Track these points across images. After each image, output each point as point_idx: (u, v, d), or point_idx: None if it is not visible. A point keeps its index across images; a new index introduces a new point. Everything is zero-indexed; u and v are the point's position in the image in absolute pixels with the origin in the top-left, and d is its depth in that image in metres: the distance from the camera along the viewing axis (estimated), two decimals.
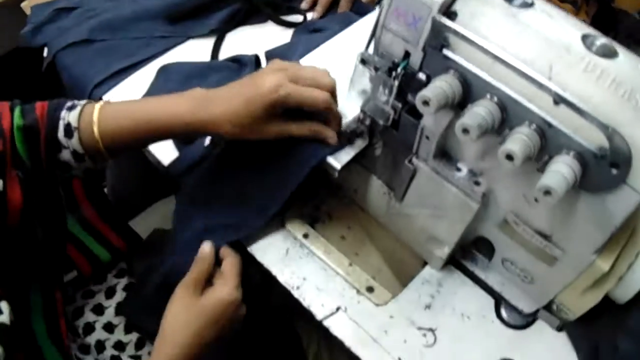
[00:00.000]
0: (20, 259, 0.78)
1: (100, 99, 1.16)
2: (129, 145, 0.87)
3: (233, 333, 0.90)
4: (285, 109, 0.84)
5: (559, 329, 0.89)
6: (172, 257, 0.94)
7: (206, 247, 0.90)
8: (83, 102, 0.86)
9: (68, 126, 0.83)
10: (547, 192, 0.61)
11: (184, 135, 0.90)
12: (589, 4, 1.31)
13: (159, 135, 0.87)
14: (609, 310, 0.84)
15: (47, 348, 0.83)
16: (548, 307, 0.88)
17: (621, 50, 0.65)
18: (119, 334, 1.03)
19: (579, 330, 0.87)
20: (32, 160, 0.82)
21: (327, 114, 0.86)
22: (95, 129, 0.83)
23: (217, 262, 0.91)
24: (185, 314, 0.84)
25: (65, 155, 0.84)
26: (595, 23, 1.32)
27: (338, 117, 0.87)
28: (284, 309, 1.13)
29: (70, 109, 0.85)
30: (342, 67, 0.91)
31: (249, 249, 0.95)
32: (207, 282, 0.89)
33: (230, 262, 0.90)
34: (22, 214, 0.78)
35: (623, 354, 0.82)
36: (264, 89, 0.81)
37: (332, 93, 0.85)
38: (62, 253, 0.98)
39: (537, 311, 0.90)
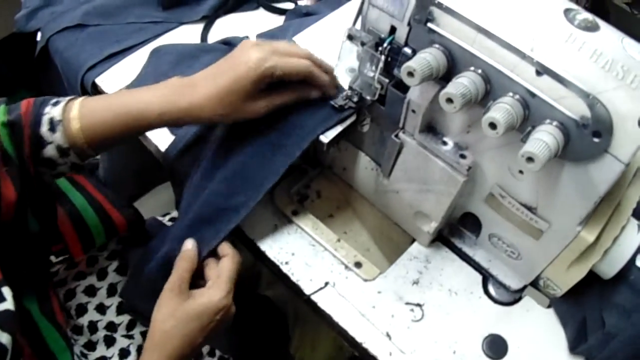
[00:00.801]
0: (14, 251, 0.78)
1: (93, 82, 1.17)
2: (111, 140, 0.86)
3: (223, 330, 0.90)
4: (268, 84, 0.84)
5: (548, 306, 0.90)
6: (167, 245, 0.93)
7: (188, 244, 0.88)
8: (67, 98, 0.86)
9: (52, 120, 0.82)
10: (530, 159, 0.62)
11: (164, 126, 0.88)
12: None
13: (139, 127, 0.86)
14: (596, 286, 0.86)
15: (45, 327, 0.84)
16: (535, 284, 0.89)
17: (603, 25, 0.66)
18: (111, 315, 1.03)
19: (566, 305, 0.88)
20: (19, 156, 0.81)
21: (311, 78, 0.86)
22: (77, 124, 0.82)
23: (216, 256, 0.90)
24: (173, 319, 0.82)
25: (50, 150, 0.83)
26: None
27: (327, 69, 0.88)
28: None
29: (55, 104, 0.84)
30: (332, 46, 0.92)
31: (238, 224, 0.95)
32: (198, 278, 0.88)
33: (229, 263, 0.87)
34: (16, 208, 0.78)
35: (609, 328, 0.83)
36: (251, 63, 0.80)
37: (310, 59, 0.86)
38: (54, 242, 0.99)
39: (524, 288, 0.91)
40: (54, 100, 0.85)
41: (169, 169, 1.04)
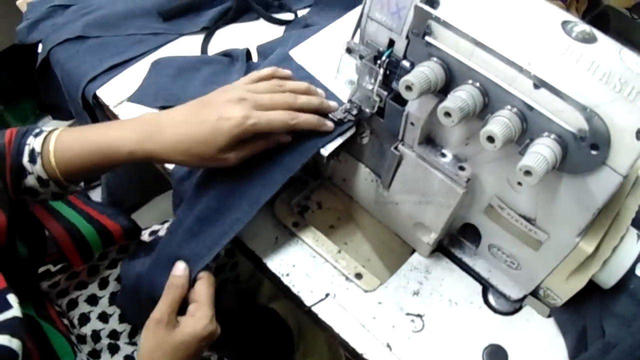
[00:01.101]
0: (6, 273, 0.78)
1: (95, 94, 1.18)
2: (85, 174, 0.85)
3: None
4: None
5: (548, 315, 0.90)
6: (154, 259, 0.91)
7: (179, 270, 0.86)
8: (49, 128, 0.85)
9: (32, 152, 0.82)
10: (528, 173, 0.62)
11: (138, 162, 0.85)
12: (579, 0, 1.33)
13: (112, 164, 0.84)
14: (596, 295, 0.86)
15: (49, 331, 0.84)
16: (535, 293, 0.89)
17: (600, 37, 0.66)
18: (114, 323, 1.04)
19: (566, 315, 0.88)
20: (4, 183, 0.82)
21: (293, 130, 0.85)
22: (52, 158, 0.82)
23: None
24: (160, 351, 0.81)
25: (31, 180, 0.83)
26: (585, 21, 1.33)
27: (321, 107, 0.87)
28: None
29: (37, 135, 0.84)
30: (331, 58, 0.92)
31: (239, 236, 0.95)
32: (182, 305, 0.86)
33: (205, 287, 0.86)
34: (7, 233, 0.78)
35: (609, 337, 0.83)
36: (233, 121, 0.79)
37: (293, 106, 0.85)
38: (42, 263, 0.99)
39: (524, 297, 0.91)
40: (36, 131, 0.84)
41: (174, 189, 1.04)
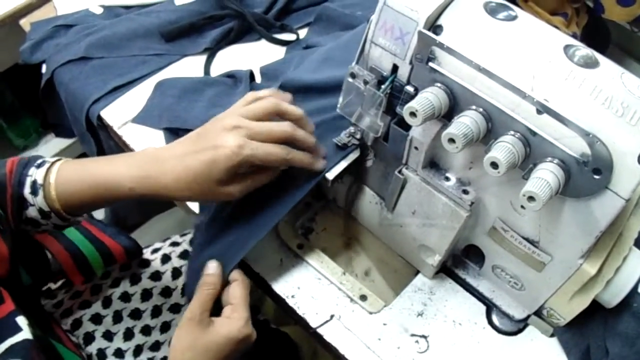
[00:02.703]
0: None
1: (99, 115, 1.18)
2: (87, 208, 0.85)
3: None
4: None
5: (551, 335, 0.91)
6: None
7: (211, 269, 0.85)
8: (52, 159, 0.85)
9: (34, 183, 0.81)
10: (531, 198, 0.63)
11: (140, 198, 0.83)
12: (580, 15, 1.33)
13: (114, 198, 0.83)
14: (599, 315, 0.86)
15: (64, 353, 0.85)
16: (538, 313, 0.90)
17: (602, 60, 0.67)
18: (119, 342, 1.04)
19: (570, 334, 0.88)
20: (5, 214, 0.81)
21: (290, 164, 0.84)
22: (53, 190, 0.81)
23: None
24: (192, 351, 0.79)
25: (32, 212, 0.83)
26: (586, 34, 1.34)
27: (310, 146, 0.86)
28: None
29: (39, 166, 0.83)
30: None
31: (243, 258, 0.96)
32: (216, 304, 0.84)
33: (240, 289, 0.84)
34: (10, 262, 0.77)
35: (613, 357, 0.83)
36: (227, 150, 0.77)
37: (290, 137, 0.83)
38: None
39: (528, 317, 0.91)
40: (38, 162, 0.84)
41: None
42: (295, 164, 0.84)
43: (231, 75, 1.21)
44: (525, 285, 0.88)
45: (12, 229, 0.82)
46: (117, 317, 1.06)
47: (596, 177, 0.64)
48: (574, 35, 1.27)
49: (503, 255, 0.86)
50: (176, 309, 1.10)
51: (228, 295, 0.84)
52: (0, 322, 0.68)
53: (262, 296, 1.40)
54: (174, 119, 1.13)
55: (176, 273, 1.12)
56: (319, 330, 0.90)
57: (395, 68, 0.76)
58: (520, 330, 0.92)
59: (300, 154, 0.84)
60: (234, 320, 0.81)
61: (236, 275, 0.86)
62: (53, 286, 1.10)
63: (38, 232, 0.89)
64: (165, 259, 1.14)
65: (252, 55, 1.31)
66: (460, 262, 0.96)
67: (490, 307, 0.94)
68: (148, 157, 0.82)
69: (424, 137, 0.77)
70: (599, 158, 0.63)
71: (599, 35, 1.37)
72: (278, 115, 0.84)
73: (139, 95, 1.21)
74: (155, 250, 1.17)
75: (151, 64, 1.28)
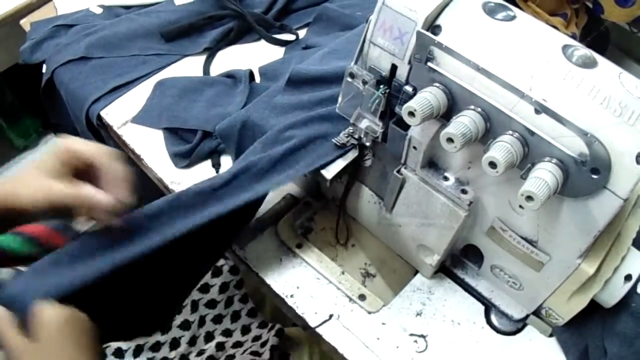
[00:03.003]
0: None
1: (99, 114, 1.19)
2: None
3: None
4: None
5: (549, 334, 0.91)
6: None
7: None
8: None
9: None
10: (529, 198, 0.63)
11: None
12: (579, 16, 1.34)
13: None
14: (597, 314, 0.86)
15: None
16: (537, 313, 0.90)
17: (601, 60, 0.67)
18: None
19: (568, 334, 0.89)
20: None
21: None
22: None
23: None
24: None
25: None
26: (585, 35, 1.34)
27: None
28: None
29: None
30: None
31: (243, 258, 0.97)
32: None
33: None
34: None
35: (612, 356, 0.83)
36: None
37: None
38: None
39: (526, 317, 0.92)
40: None
41: None
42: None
43: (231, 75, 1.21)
44: (523, 285, 0.88)
45: None
46: None
47: (594, 176, 0.65)
48: (573, 36, 1.27)
49: (502, 255, 0.86)
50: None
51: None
52: None
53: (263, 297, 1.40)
54: (173, 118, 1.14)
55: None
56: (318, 330, 0.91)
57: (394, 68, 0.76)
58: (518, 330, 0.92)
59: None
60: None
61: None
62: None
63: None
64: None
65: (251, 55, 1.31)
66: (459, 261, 0.96)
67: (489, 306, 0.94)
68: None
69: (423, 137, 0.78)
70: (597, 158, 0.63)
71: (598, 36, 1.37)
72: None
73: (138, 95, 1.21)
74: None
75: (151, 63, 1.28)
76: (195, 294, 1.10)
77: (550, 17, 1.25)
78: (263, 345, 1.07)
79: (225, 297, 1.12)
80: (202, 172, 1.10)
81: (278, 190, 1.06)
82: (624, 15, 1.23)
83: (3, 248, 0.92)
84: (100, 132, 1.24)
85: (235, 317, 1.12)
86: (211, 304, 1.10)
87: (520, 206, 0.76)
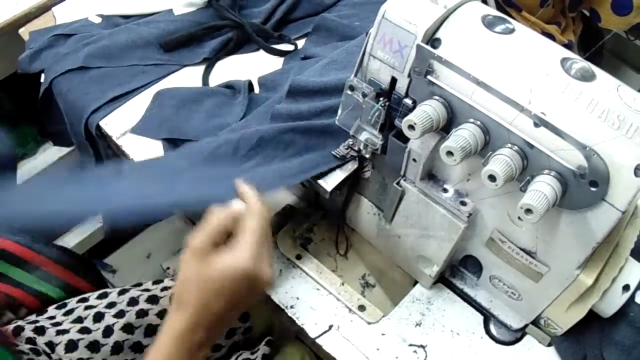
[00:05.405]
0: None
1: (97, 125, 1.19)
2: None
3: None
4: None
5: (548, 344, 0.91)
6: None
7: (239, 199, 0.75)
8: None
9: None
10: (529, 211, 0.63)
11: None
12: (575, 23, 1.34)
13: None
14: (595, 324, 0.87)
15: None
16: (536, 323, 0.90)
17: (599, 73, 0.68)
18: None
19: (567, 343, 0.89)
20: None
21: None
22: None
23: None
24: (190, 283, 0.71)
25: None
26: (582, 42, 1.35)
27: None
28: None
29: None
30: None
31: None
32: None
33: (252, 222, 0.73)
34: None
35: None
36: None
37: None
38: None
39: (525, 327, 0.92)
40: None
41: None
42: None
43: (230, 86, 1.21)
44: (522, 295, 0.88)
45: None
46: (70, 347, 0.96)
47: (593, 189, 0.65)
48: (570, 43, 1.28)
49: (500, 266, 0.86)
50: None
51: (239, 225, 0.74)
52: None
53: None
54: (172, 129, 1.14)
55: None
56: (318, 341, 0.91)
57: (393, 81, 0.77)
58: (517, 340, 0.93)
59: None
60: (239, 252, 0.71)
61: (246, 194, 0.77)
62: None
63: None
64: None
65: (250, 65, 1.31)
66: (458, 272, 0.96)
67: (488, 317, 0.94)
68: None
69: (422, 150, 0.78)
70: (595, 171, 0.63)
71: (594, 42, 1.38)
72: None
73: (137, 106, 1.21)
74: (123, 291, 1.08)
75: (150, 74, 1.28)
76: None
77: (545, 24, 1.26)
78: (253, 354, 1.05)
79: (230, 343, 1.07)
80: None
81: (278, 201, 1.06)
82: (621, 23, 1.23)
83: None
84: (98, 142, 1.24)
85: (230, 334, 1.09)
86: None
87: (519, 218, 0.77)
